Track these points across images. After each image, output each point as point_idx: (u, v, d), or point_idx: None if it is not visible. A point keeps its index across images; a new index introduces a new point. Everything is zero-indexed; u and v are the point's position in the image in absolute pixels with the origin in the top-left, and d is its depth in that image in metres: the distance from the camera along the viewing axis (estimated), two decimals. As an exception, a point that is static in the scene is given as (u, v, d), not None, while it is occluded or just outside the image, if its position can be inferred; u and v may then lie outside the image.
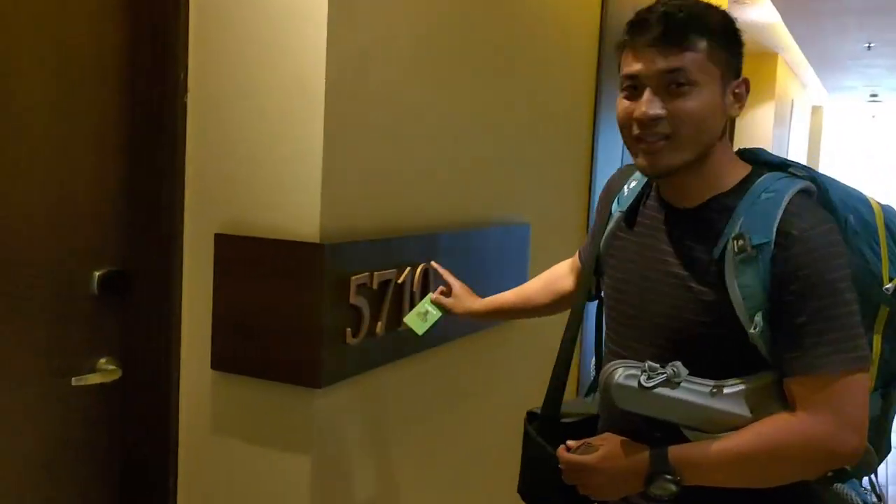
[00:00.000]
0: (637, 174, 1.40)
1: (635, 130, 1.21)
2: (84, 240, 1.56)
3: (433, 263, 1.79)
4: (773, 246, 1.14)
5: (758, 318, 1.15)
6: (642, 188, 1.38)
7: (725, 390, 1.17)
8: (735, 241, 1.16)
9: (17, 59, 1.43)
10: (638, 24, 1.21)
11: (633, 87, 1.22)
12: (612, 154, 3.02)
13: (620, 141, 1.29)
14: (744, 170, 1.26)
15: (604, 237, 1.42)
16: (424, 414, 1.96)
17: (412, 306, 1.80)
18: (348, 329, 1.59)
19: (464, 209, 2.07)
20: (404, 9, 1.72)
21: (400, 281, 1.75)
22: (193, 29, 1.61)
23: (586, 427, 1.41)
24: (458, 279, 1.77)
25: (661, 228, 1.30)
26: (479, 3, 2.05)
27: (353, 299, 1.59)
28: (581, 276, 1.55)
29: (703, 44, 1.18)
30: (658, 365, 1.18)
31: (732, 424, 1.17)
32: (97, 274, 1.58)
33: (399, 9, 1.71)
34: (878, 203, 1.28)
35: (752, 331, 1.15)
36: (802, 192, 1.21)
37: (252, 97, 1.57)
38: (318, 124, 1.51)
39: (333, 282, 1.54)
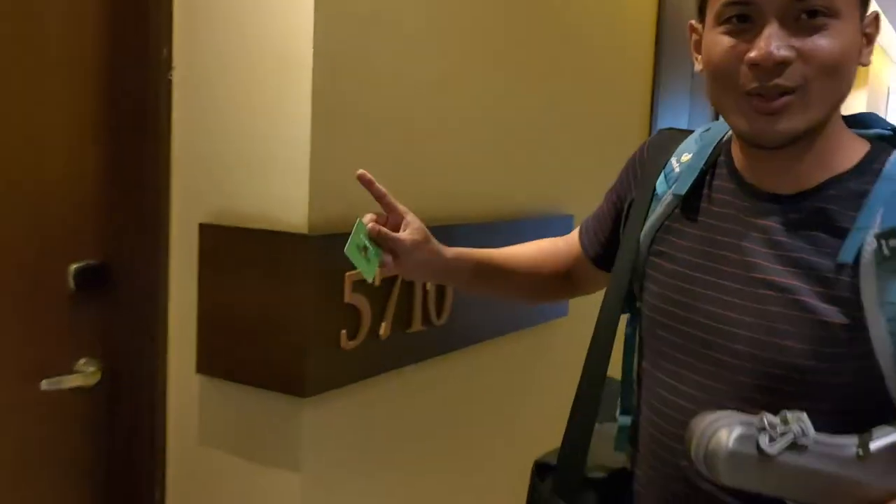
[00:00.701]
0: (690, 142, 1.07)
1: (747, 81, 0.88)
2: (59, 230, 1.43)
3: (360, 171, 1.15)
4: None
5: None
6: (704, 163, 1.03)
7: (873, 445, 0.79)
8: (884, 241, 0.84)
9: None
10: None
11: (742, 18, 0.88)
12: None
13: (681, 122, 1.03)
14: (860, 144, 0.94)
15: (646, 226, 1.06)
16: (436, 429, 1.76)
17: (425, 307, 1.62)
18: (343, 331, 1.42)
19: (492, 198, 1.87)
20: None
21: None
22: (178, 1, 1.46)
23: (615, 484, 1.10)
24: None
25: (745, 221, 0.96)
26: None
27: (349, 297, 1.42)
28: (614, 274, 1.11)
29: None
30: (777, 418, 0.82)
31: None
32: (74, 267, 1.44)
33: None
34: None
35: None
36: None
37: (237, 74, 1.41)
38: (305, 103, 1.34)
39: (323, 277, 1.37)
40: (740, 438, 0.81)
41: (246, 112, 1.41)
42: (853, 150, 0.93)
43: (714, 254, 0.97)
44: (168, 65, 1.47)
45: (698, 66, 0.98)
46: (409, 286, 1.57)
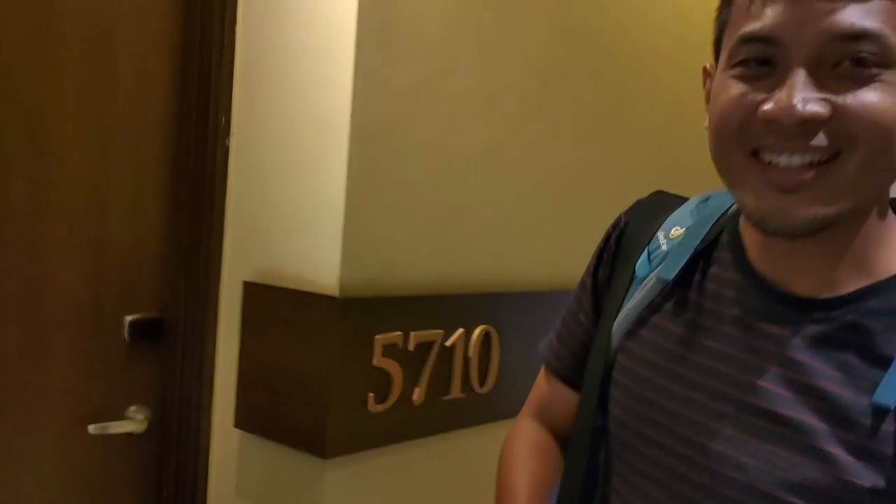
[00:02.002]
0: (684, 214, 0.85)
1: (756, 143, 0.66)
2: (118, 284, 1.53)
3: None
4: None
5: None
6: (700, 242, 0.81)
7: None
8: None
9: (60, 101, 1.43)
10: None
11: (763, 62, 0.65)
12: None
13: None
14: None
15: (619, 315, 0.84)
16: (469, 500, 1.72)
17: (466, 374, 1.60)
18: (371, 394, 1.43)
19: (538, 266, 1.84)
20: (458, 41, 1.56)
21: (449, 344, 1.56)
22: (237, 77, 1.56)
23: None
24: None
25: (751, 327, 0.72)
26: (570, 21, 1.84)
27: (378, 361, 1.43)
28: (586, 380, 0.88)
29: None
30: None
31: None
32: (129, 319, 1.54)
33: (451, 41, 1.55)
34: None
35: None
36: None
37: (282, 142, 1.48)
38: (340, 171, 1.38)
39: (351, 339, 1.39)
40: None
41: (288, 177, 1.47)
42: None
43: (701, 364, 0.75)
44: (226, 132, 1.56)
45: (706, 122, 0.74)
46: (448, 352, 1.56)
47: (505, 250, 1.74)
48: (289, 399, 1.43)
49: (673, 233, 0.84)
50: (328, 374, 1.37)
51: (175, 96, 1.56)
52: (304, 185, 1.44)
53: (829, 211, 0.64)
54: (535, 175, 1.79)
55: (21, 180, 1.40)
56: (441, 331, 1.54)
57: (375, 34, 1.39)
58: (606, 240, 0.92)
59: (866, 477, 0.64)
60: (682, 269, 0.80)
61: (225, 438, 1.57)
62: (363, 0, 1.36)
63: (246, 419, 1.51)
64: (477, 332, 1.62)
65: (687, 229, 0.83)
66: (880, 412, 0.64)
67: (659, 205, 0.89)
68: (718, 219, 0.82)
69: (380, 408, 1.44)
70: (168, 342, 1.58)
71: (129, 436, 1.55)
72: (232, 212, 1.57)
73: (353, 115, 1.38)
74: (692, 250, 0.80)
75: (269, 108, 1.50)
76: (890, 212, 0.72)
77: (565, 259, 1.92)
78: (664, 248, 0.83)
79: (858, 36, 0.61)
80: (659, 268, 0.82)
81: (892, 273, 0.69)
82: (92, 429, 1.49)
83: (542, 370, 0.99)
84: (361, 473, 1.46)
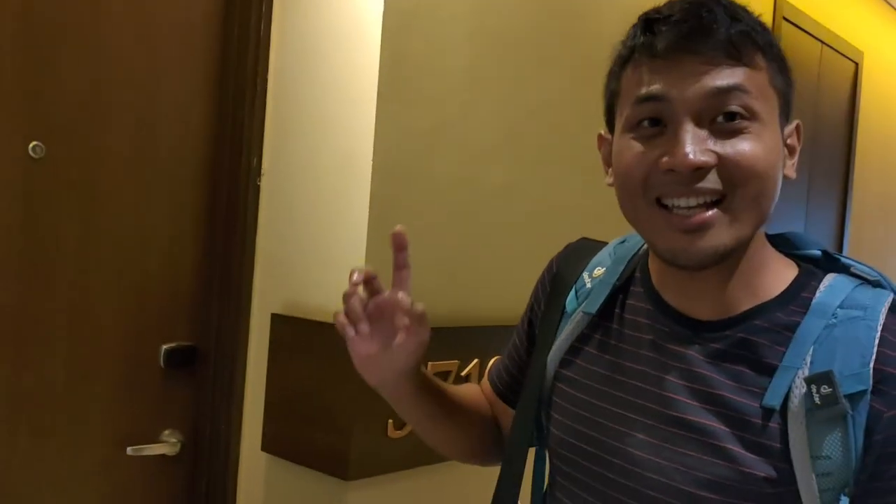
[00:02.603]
0: (605, 256, 0.97)
1: (658, 192, 0.77)
2: (155, 314, 1.64)
3: (398, 228, 0.95)
4: (869, 396, 0.73)
5: None
6: (618, 279, 0.92)
7: None
8: (814, 387, 0.73)
9: (110, 154, 1.55)
10: (655, 19, 0.77)
11: (654, 122, 0.77)
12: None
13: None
14: (787, 267, 0.84)
15: (553, 347, 0.94)
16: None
17: (481, 401, 1.68)
18: (391, 420, 1.51)
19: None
20: (474, 86, 1.67)
21: (464, 374, 1.65)
22: (268, 123, 1.68)
23: None
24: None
25: (662, 348, 0.84)
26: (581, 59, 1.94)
27: (397, 389, 1.52)
28: (521, 402, 0.99)
29: (759, 57, 0.77)
30: None
31: None
32: (165, 347, 1.64)
33: (468, 86, 1.65)
34: None
35: None
36: (894, 308, 0.79)
37: (310, 184, 1.59)
38: (363, 209, 1.49)
39: (371, 369, 1.48)
40: None
41: (314, 215, 1.57)
42: (780, 273, 0.83)
43: (627, 385, 0.86)
44: (258, 172, 1.67)
45: (609, 180, 0.86)
46: (463, 381, 1.65)
47: (518, 285, 1.82)
48: (313, 424, 1.52)
49: (596, 272, 0.96)
50: (350, 401, 1.46)
51: (211, 142, 1.68)
52: (328, 222, 1.55)
53: (728, 242, 0.77)
54: (547, 212, 1.89)
55: (74, 224, 1.52)
56: (457, 361, 1.63)
57: (396, 82, 1.50)
58: (542, 281, 1.04)
59: (761, 468, 0.75)
60: (603, 302, 0.92)
61: (253, 461, 1.66)
62: (384, 51, 1.47)
63: (272, 443, 1.61)
64: (491, 363, 1.70)
65: (607, 268, 0.95)
66: (768, 412, 0.76)
67: (584, 248, 1.01)
68: (632, 257, 0.94)
69: (398, 434, 1.53)
70: (201, 370, 1.68)
71: (163, 457, 1.65)
72: (262, 248, 1.67)
73: (374, 158, 1.48)
74: (611, 286, 0.92)
75: (298, 151, 1.62)
76: (766, 240, 0.85)
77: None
78: (589, 285, 0.95)
79: (727, 90, 0.74)
80: (584, 303, 0.94)
81: (774, 294, 0.81)
82: (130, 451, 1.59)
83: (486, 379, 1.14)
84: (381, 495, 1.55)
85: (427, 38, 1.56)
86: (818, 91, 3.19)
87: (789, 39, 2.91)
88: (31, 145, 1.45)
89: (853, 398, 0.73)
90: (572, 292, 0.96)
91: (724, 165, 0.75)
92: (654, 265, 0.89)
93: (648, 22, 0.78)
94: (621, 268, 0.93)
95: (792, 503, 0.75)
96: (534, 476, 1.00)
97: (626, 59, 0.81)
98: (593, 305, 0.92)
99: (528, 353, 1.03)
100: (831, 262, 0.85)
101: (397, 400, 1.03)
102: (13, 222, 1.45)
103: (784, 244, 0.87)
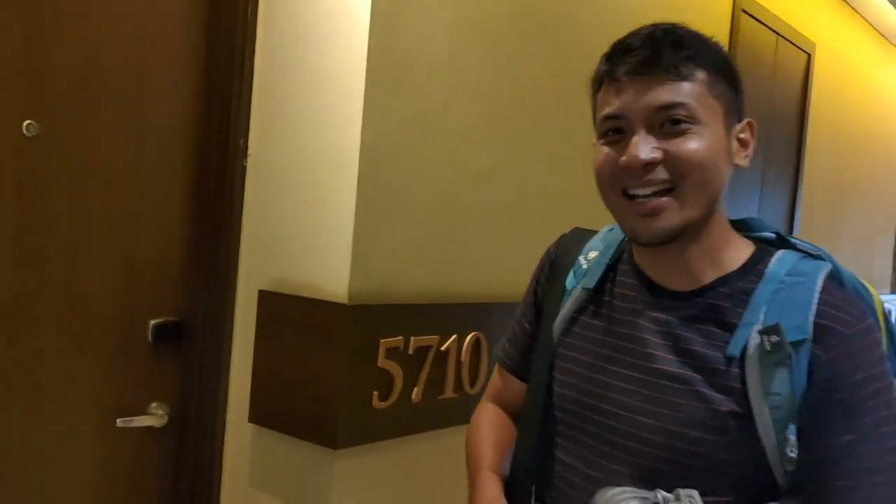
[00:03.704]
0: (597, 241, 1.15)
1: (622, 184, 0.97)
2: (144, 290, 1.68)
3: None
4: (810, 344, 0.91)
5: (790, 435, 0.92)
6: (609, 260, 1.11)
7: None
8: (766, 337, 0.92)
9: (101, 131, 1.58)
10: (619, 51, 0.98)
11: (617, 131, 0.97)
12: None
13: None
14: (746, 245, 1.03)
15: (558, 318, 1.12)
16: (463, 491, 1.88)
17: (458, 376, 1.77)
18: (375, 392, 1.59)
19: (527, 279, 2.00)
20: (457, 75, 1.74)
21: (444, 348, 1.72)
22: (255, 105, 1.72)
23: None
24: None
25: (646, 315, 1.02)
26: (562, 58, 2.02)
27: (382, 362, 1.59)
28: (535, 367, 1.15)
29: (701, 73, 0.95)
30: (671, 495, 0.93)
31: None
32: (153, 322, 1.69)
33: (451, 75, 1.72)
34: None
35: (789, 453, 0.91)
36: (831, 276, 0.98)
37: (297, 163, 1.64)
38: (350, 191, 1.55)
39: (358, 342, 1.55)
40: None
41: (301, 196, 1.63)
42: (740, 250, 1.01)
43: (618, 346, 1.04)
44: (244, 153, 1.72)
45: None
46: (443, 355, 1.73)
47: (496, 264, 1.91)
48: (301, 396, 1.59)
49: (590, 255, 1.15)
50: (338, 373, 1.53)
51: (200, 123, 1.72)
52: (316, 203, 1.60)
53: (676, 223, 0.95)
54: (525, 196, 1.97)
55: (66, 201, 1.55)
56: (437, 336, 1.71)
57: (383, 70, 1.56)
58: (542, 266, 1.22)
59: (727, 405, 0.94)
60: (598, 279, 1.10)
61: (239, 432, 1.72)
62: (373, 39, 1.53)
63: (260, 414, 1.67)
64: (469, 338, 1.78)
65: (599, 252, 1.14)
66: (730, 360, 0.95)
67: (578, 237, 1.20)
68: (621, 242, 1.13)
69: (383, 405, 1.60)
70: (188, 344, 1.73)
71: (150, 429, 1.70)
72: (249, 226, 1.72)
73: (362, 141, 1.54)
74: (605, 266, 1.11)
75: (285, 133, 1.67)
76: (727, 224, 1.03)
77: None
78: (585, 266, 1.14)
79: (670, 106, 0.94)
80: (582, 280, 1.13)
81: (735, 267, 1.00)
82: (119, 422, 1.63)
83: (497, 367, 1.29)
84: (366, 463, 1.62)
85: (413, 24, 1.62)
86: (774, 81, 3.32)
87: (747, 31, 3.03)
88: (24, 124, 1.48)
89: (796, 345, 0.91)
90: (571, 273, 1.15)
91: (670, 160, 0.94)
92: (634, 247, 1.08)
93: (614, 54, 0.99)
94: (612, 250, 1.12)
95: (752, 435, 0.92)
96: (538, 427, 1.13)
97: (599, 83, 1.01)
98: (591, 281, 1.11)
99: (536, 327, 1.19)
100: (782, 242, 1.04)
101: None
102: (6, 199, 1.48)
103: (744, 227, 1.06)
